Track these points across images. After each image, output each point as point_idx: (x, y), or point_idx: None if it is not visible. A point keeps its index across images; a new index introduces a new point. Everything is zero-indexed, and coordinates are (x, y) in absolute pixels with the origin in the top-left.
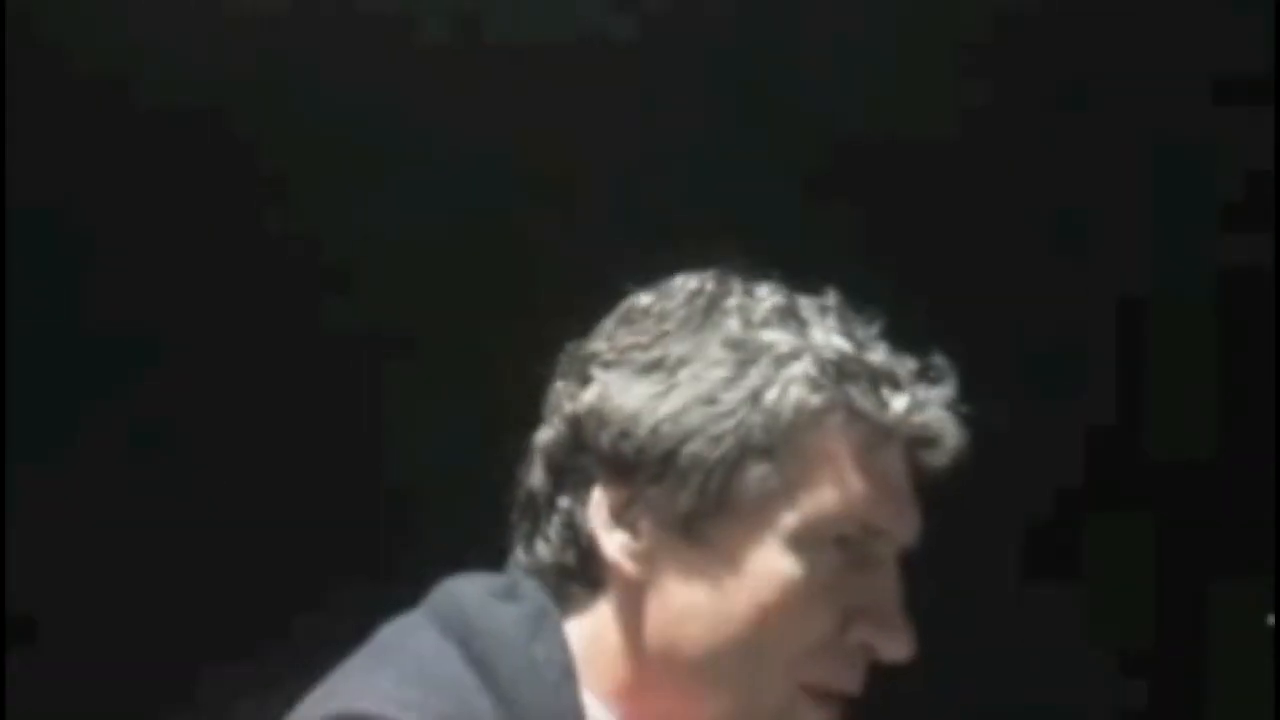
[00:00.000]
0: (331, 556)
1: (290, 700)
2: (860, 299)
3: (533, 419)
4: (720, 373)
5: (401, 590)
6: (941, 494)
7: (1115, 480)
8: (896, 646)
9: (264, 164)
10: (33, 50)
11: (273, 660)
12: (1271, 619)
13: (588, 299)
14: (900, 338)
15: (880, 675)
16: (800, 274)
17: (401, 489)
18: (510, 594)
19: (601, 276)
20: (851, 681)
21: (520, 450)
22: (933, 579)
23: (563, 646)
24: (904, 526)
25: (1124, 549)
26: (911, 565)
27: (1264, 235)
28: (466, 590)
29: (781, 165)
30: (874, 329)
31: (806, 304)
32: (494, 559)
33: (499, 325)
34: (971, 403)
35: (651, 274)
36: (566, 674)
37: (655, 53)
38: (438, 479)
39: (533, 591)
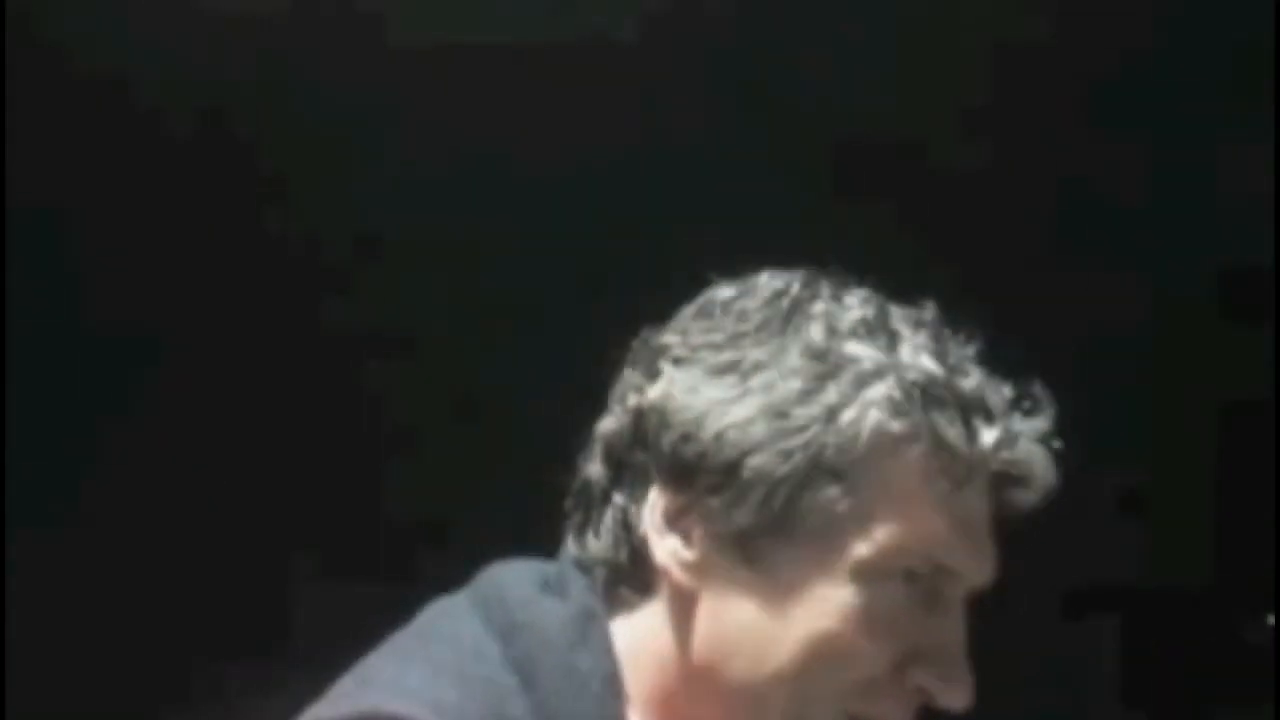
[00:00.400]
0: (332, 558)
1: (290, 700)
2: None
3: (533, 418)
4: (796, 384)
5: (403, 591)
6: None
7: None
8: (956, 694)
9: (264, 164)
10: (33, 50)
11: (273, 660)
12: (1271, 619)
13: (588, 298)
14: None
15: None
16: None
17: (402, 489)
18: (559, 588)
19: (601, 276)
20: (900, 717)
21: (589, 440)
22: None
23: (609, 654)
24: (979, 569)
25: None
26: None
27: (1264, 236)
28: (513, 580)
29: (781, 165)
30: (970, 349)
31: (899, 316)
32: (494, 559)
33: (499, 325)
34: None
35: (652, 274)
36: (610, 685)
37: (655, 53)
38: (438, 479)
39: (581, 591)
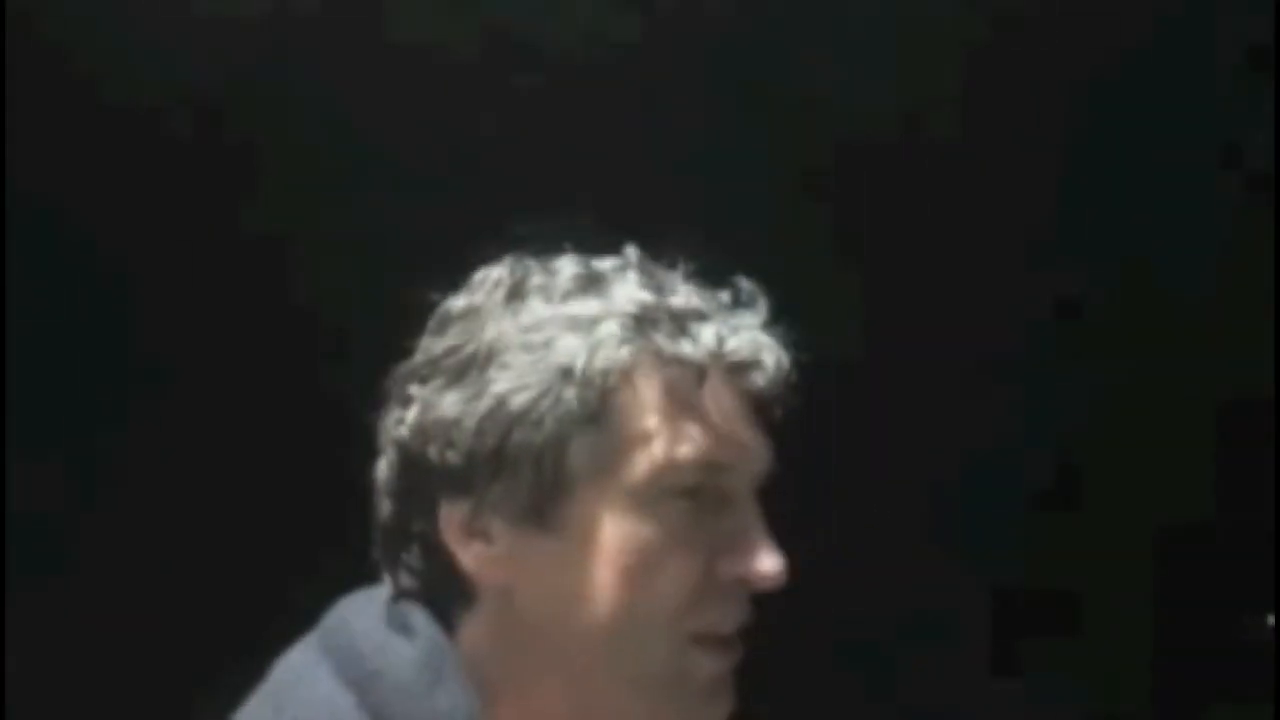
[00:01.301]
0: (332, 561)
1: None
2: (858, 299)
3: None
4: (527, 357)
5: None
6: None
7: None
8: (764, 570)
9: (264, 164)
10: (33, 50)
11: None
12: (1271, 619)
13: None
14: (889, 333)
15: None
16: (798, 274)
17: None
18: (405, 626)
19: None
20: (737, 619)
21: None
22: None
23: (464, 689)
24: (748, 457)
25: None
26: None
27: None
28: (361, 624)
29: (782, 165)
30: (680, 272)
31: (608, 266)
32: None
33: None
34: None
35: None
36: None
37: (656, 52)
38: None
39: (425, 624)
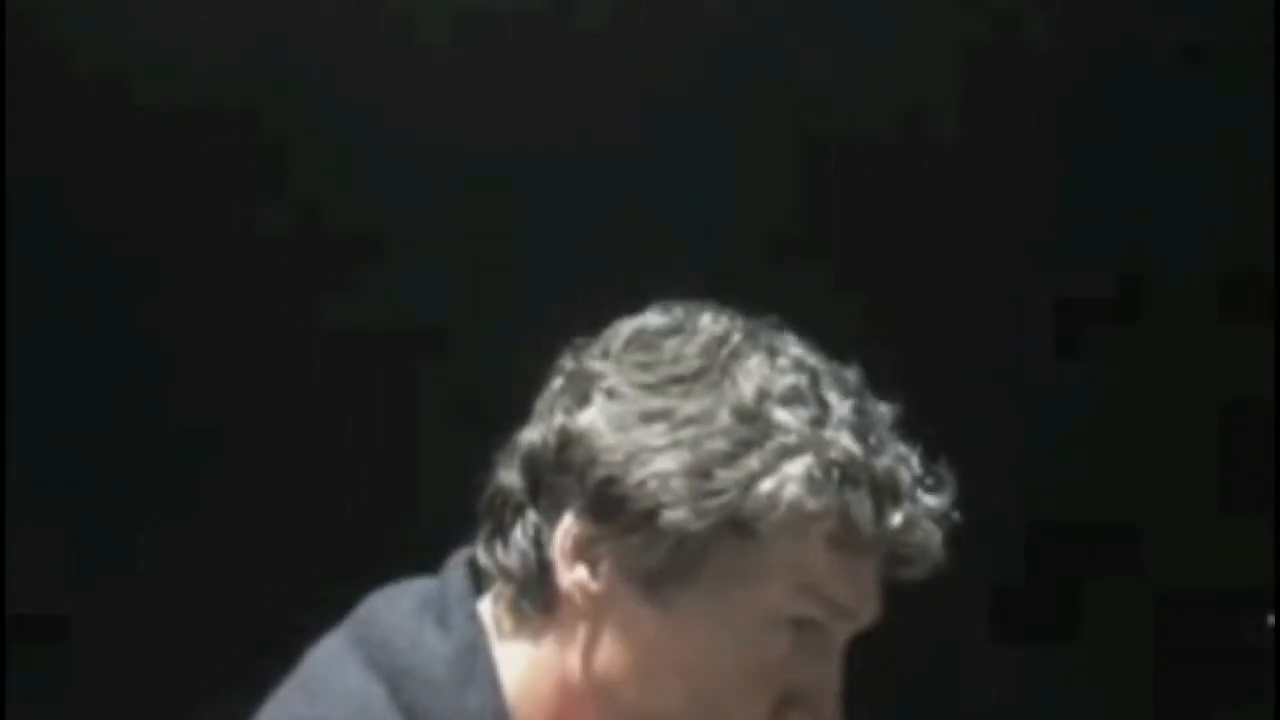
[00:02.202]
0: (334, 559)
1: None
2: (858, 299)
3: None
4: (722, 445)
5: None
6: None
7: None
8: None
9: (264, 163)
10: (33, 50)
11: (278, 661)
12: (1271, 619)
13: (588, 298)
14: (892, 339)
15: None
16: (797, 275)
17: (401, 490)
18: (440, 617)
19: (602, 275)
20: None
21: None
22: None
23: (495, 687)
24: (866, 612)
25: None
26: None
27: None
28: (394, 617)
29: (782, 165)
30: (888, 418)
31: (829, 382)
32: None
33: (499, 325)
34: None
35: (654, 274)
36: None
37: (656, 51)
38: (437, 479)
39: (463, 622)
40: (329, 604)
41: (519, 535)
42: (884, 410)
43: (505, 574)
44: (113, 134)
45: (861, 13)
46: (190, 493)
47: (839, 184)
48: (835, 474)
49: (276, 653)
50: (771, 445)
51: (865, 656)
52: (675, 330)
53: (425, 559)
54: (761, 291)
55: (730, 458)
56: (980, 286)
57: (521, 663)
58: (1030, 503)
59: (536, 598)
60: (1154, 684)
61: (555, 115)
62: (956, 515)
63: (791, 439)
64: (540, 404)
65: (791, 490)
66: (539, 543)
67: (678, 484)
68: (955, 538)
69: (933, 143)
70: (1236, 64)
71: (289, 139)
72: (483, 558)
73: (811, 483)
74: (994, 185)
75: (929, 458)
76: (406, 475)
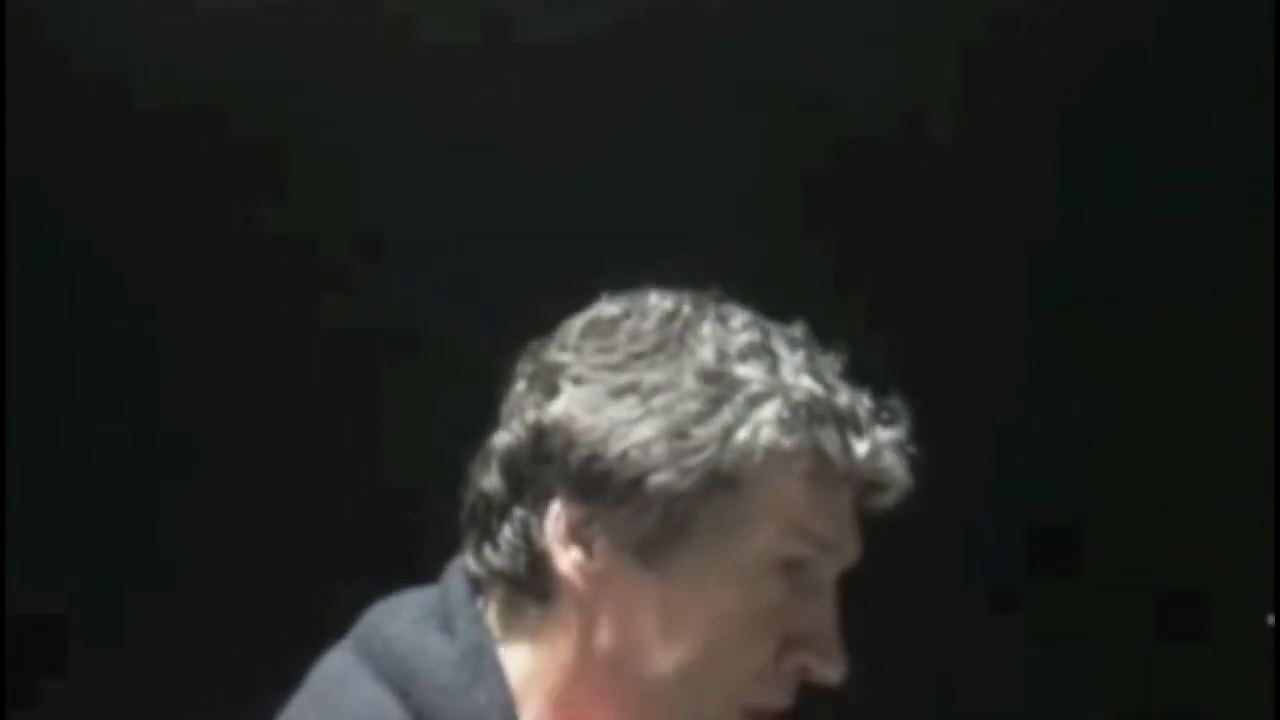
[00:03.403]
0: (334, 558)
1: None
2: (857, 298)
3: None
4: (694, 406)
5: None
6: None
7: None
8: (831, 671)
9: (264, 164)
10: (33, 50)
11: (274, 661)
12: (1271, 619)
13: (589, 298)
14: (888, 333)
15: None
16: (798, 275)
17: (402, 490)
18: (445, 625)
19: (602, 275)
20: (785, 700)
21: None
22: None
23: (503, 684)
24: (850, 551)
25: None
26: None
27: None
28: (397, 625)
29: (781, 165)
30: (838, 365)
31: (778, 337)
32: None
33: (499, 325)
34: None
35: (653, 274)
36: (507, 715)
37: (656, 51)
38: (438, 480)
39: (468, 624)
40: (330, 604)
41: (508, 534)
42: (831, 358)
43: (498, 575)
44: (113, 134)
45: (861, 13)
46: (190, 493)
47: (839, 184)
48: (803, 413)
49: (277, 653)
50: (739, 398)
51: (866, 656)
52: (627, 314)
53: (428, 560)
54: (761, 291)
55: (703, 415)
56: (980, 286)
57: (526, 657)
58: (1030, 503)
59: (534, 590)
60: (1154, 684)
61: (555, 115)
62: (912, 448)
63: (756, 388)
64: (506, 408)
65: (766, 434)
66: (529, 536)
67: (658, 449)
68: (950, 525)
69: (933, 142)
70: (1236, 64)
71: (289, 139)
72: (473, 565)
73: (783, 424)
74: (994, 185)
75: (880, 397)
76: (407, 476)
